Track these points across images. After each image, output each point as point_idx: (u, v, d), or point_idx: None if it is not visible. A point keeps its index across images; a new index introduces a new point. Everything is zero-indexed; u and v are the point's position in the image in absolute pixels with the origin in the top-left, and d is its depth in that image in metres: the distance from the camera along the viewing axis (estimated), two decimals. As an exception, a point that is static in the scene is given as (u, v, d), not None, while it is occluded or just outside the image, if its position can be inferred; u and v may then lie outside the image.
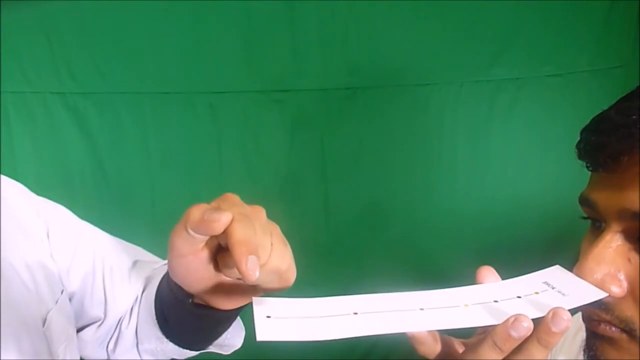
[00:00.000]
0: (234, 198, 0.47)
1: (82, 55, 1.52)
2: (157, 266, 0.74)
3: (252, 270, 0.41)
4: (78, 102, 1.54)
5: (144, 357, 0.71)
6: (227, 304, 0.54)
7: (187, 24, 1.55)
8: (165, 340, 0.65)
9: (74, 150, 1.56)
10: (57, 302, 0.64)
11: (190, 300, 0.54)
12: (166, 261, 0.75)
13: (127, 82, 1.55)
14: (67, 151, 1.56)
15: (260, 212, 0.48)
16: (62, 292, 0.66)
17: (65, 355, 0.64)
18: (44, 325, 0.60)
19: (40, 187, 0.73)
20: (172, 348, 0.65)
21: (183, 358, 0.69)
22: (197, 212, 0.45)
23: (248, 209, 0.47)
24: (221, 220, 0.43)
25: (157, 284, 0.66)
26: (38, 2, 1.46)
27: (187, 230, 0.45)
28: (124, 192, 1.60)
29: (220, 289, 0.51)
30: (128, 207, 1.60)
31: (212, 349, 0.66)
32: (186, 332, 0.62)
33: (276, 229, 0.48)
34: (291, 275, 0.49)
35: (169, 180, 1.61)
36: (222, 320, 0.60)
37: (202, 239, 0.46)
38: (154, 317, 0.65)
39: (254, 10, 1.55)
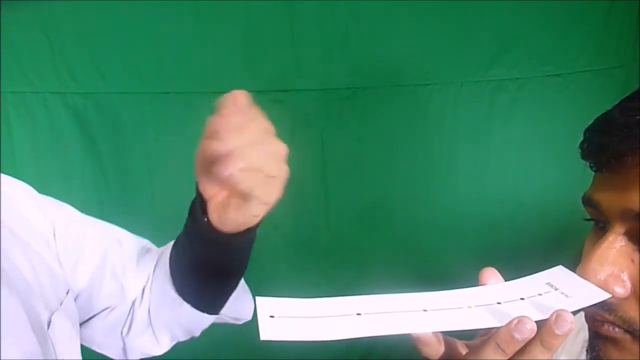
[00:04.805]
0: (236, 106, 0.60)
1: (82, 55, 1.51)
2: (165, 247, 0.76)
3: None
4: (78, 102, 1.54)
5: (158, 336, 0.72)
6: (233, 221, 0.60)
7: (187, 24, 1.54)
8: (179, 300, 0.67)
9: (74, 150, 1.56)
10: (61, 304, 0.64)
11: (205, 219, 0.61)
12: None
13: (127, 82, 1.55)
14: (67, 151, 1.56)
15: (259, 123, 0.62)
16: (67, 293, 0.66)
17: (71, 355, 0.64)
18: (48, 327, 0.60)
19: (40, 187, 0.73)
20: (187, 313, 0.67)
21: (197, 333, 0.72)
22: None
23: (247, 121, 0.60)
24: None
25: (169, 250, 0.69)
26: (38, 2, 1.46)
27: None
28: (124, 192, 1.60)
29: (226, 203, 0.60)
30: (128, 207, 1.60)
31: (225, 317, 0.70)
32: (200, 270, 0.65)
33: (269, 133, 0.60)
34: (278, 181, 0.57)
35: (169, 180, 1.60)
36: (233, 249, 0.63)
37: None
38: (169, 275, 0.67)
39: (254, 10, 1.55)
